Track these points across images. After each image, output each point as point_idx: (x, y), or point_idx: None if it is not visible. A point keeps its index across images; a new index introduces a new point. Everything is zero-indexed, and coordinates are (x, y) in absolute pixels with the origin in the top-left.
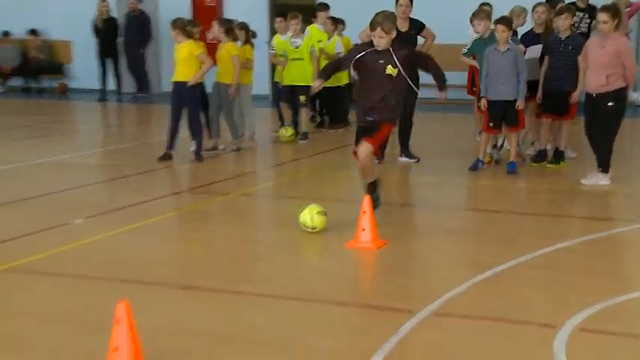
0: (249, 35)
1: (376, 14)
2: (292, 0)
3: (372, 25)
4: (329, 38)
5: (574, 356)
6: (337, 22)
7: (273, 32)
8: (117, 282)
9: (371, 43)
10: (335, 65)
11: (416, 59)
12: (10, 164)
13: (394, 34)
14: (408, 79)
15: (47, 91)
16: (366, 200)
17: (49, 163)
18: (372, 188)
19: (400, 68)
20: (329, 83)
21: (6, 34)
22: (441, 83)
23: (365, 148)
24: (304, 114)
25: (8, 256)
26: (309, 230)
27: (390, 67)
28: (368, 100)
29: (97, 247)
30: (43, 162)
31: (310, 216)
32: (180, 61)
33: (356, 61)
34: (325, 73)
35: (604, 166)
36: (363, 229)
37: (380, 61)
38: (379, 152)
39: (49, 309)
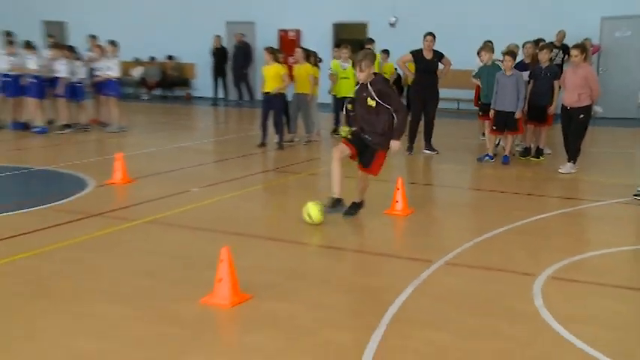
0: (317, 60)
1: (358, 53)
2: (349, 35)
3: (353, 63)
4: None
5: (547, 297)
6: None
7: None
8: (221, 233)
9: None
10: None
11: (384, 97)
12: (152, 148)
13: (372, 69)
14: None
15: (178, 99)
16: (400, 181)
17: (177, 148)
18: (356, 205)
19: (377, 100)
20: None
21: (152, 58)
22: (397, 134)
23: (365, 176)
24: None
25: (149, 212)
26: (309, 222)
27: (369, 99)
28: (361, 124)
29: (209, 208)
30: (174, 147)
31: (307, 213)
32: (269, 78)
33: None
34: (348, 120)
35: (574, 158)
36: (397, 201)
37: (363, 94)
38: (377, 174)
39: (176, 250)
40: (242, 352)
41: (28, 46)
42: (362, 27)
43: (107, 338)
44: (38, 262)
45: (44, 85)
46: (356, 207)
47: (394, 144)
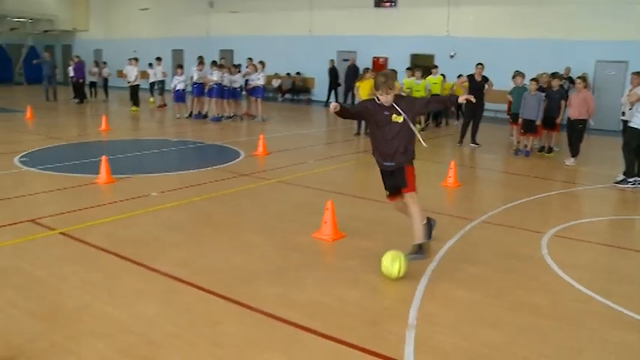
0: (396, 77)
1: (378, 76)
2: (421, 62)
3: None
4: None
5: (550, 248)
6: (429, 74)
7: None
8: (327, 191)
9: (376, 100)
10: (349, 111)
11: (412, 104)
12: (282, 133)
13: (395, 90)
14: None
15: (301, 101)
16: (453, 162)
17: (299, 134)
18: (419, 248)
19: (404, 116)
20: None
21: (288, 74)
22: (453, 101)
23: (408, 196)
24: (423, 118)
25: (279, 174)
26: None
27: (394, 115)
28: (383, 151)
29: (318, 174)
30: (296, 133)
31: (390, 272)
32: (365, 88)
33: (366, 113)
34: (342, 111)
35: (575, 154)
36: (450, 177)
37: (385, 113)
38: (416, 190)
39: (296, 200)
40: (338, 271)
41: (214, 64)
42: (430, 57)
43: (249, 256)
44: (208, 203)
45: (219, 90)
46: (420, 248)
47: (462, 99)
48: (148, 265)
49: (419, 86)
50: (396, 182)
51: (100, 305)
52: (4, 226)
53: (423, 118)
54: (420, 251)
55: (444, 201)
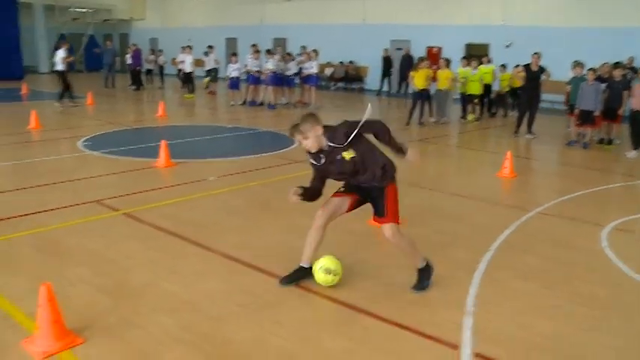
0: (449, 65)
1: (292, 127)
2: (476, 52)
3: (292, 134)
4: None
5: (611, 241)
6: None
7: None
8: None
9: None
10: (309, 188)
11: (362, 130)
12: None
13: (317, 130)
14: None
15: (353, 90)
16: (509, 153)
17: None
18: (422, 275)
19: (353, 148)
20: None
21: (341, 62)
22: (402, 148)
23: (387, 229)
24: (478, 108)
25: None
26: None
27: (344, 154)
28: (352, 182)
29: None
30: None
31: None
32: (422, 78)
33: (319, 172)
34: (304, 193)
35: (637, 147)
36: (505, 167)
37: (336, 157)
38: (399, 220)
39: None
40: (393, 256)
41: (268, 52)
42: (485, 47)
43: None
44: (264, 189)
45: (275, 77)
46: (423, 275)
47: (412, 155)
48: (209, 246)
49: (474, 76)
50: (369, 200)
51: (164, 283)
52: (72, 206)
53: (478, 109)
54: (425, 277)
55: (499, 191)
